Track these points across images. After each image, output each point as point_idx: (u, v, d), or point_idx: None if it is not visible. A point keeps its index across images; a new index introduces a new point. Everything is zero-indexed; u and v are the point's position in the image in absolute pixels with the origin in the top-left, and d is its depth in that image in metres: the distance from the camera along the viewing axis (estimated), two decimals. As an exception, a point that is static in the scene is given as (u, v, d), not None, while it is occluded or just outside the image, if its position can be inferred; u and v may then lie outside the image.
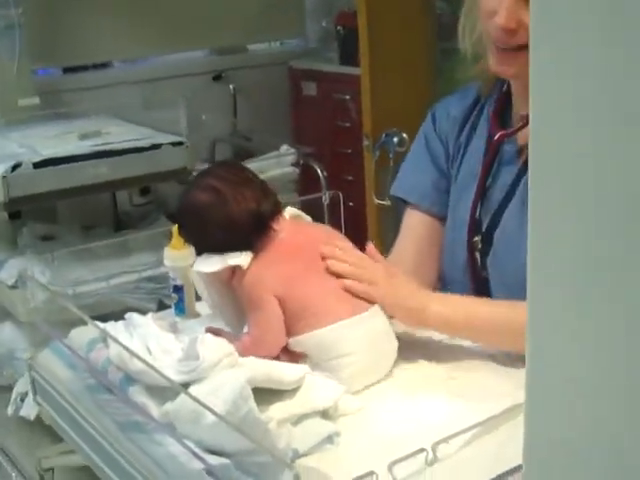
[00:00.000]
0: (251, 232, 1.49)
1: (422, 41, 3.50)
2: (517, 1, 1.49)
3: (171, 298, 1.75)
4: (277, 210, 1.53)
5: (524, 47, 1.51)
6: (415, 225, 1.83)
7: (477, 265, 1.71)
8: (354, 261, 1.52)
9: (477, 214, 1.72)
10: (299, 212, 1.61)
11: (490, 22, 1.55)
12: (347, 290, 1.49)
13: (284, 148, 3.74)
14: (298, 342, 1.46)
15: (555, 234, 0.69)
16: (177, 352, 1.35)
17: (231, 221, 1.48)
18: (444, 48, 3.70)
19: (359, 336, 1.46)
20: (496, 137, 1.69)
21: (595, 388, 0.68)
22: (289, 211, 1.58)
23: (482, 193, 1.71)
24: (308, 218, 1.62)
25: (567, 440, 0.72)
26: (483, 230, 1.71)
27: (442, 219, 1.81)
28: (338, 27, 4.22)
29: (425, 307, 1.51)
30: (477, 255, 1.71)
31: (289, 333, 1.47)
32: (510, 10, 1.50)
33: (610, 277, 0.66)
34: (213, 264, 1.49)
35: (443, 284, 1.83)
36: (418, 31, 3.49)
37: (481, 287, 1.70)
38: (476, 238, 1.71)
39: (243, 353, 1.37)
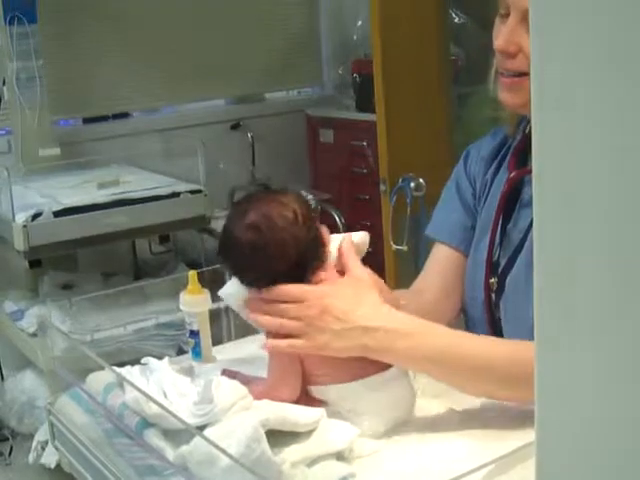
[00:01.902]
0: (286, 280, 1.44)
1: (438, 86, 3.53)
2: (517, 26, 1.49)
3: (188, 343, 1.76)
4: (318, 263, 1.47)
5: (526, 74, 1.51)
6: (442, 259, 1.82)
7: (492, 306, 1.71)
8: (284, 307, 1.43)
9: (496, 256, 1.71)
10: (361, 239, 1.59)
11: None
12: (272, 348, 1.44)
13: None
14: (318, 391, 1.44)
15: (563, 273, 0.70)
16: (193, 396, 1.36)
17: (266, 267, 1.44)
18: (460, 93, 3.73)
19: (379, 395, 1.42)
20: (510, 176, 1.69)
21: (607, 429, 0.68)
22: (354, 236, 1.56)
23: (502, 233, 1.70)
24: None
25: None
26: (499, 272, 1.70)
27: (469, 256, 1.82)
28: (354, 74, 4.26)
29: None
30: (493, 296, 1.71)
31: (310, 381, 1.44)
32: (510, 33, 1.50)
33: (620, 320, 0.66)
34: (230, 295, 1.50)
35: (465, 321, 1.82)
36: (433, 76, 3.51)
37: (497, 327, 1.70)
38: (492, 279, 1.71)
39: (257, 398, 1.38)
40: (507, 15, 1.53)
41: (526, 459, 1.28)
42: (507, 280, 1.67)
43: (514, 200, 1.70)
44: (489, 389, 1.42)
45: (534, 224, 0.70)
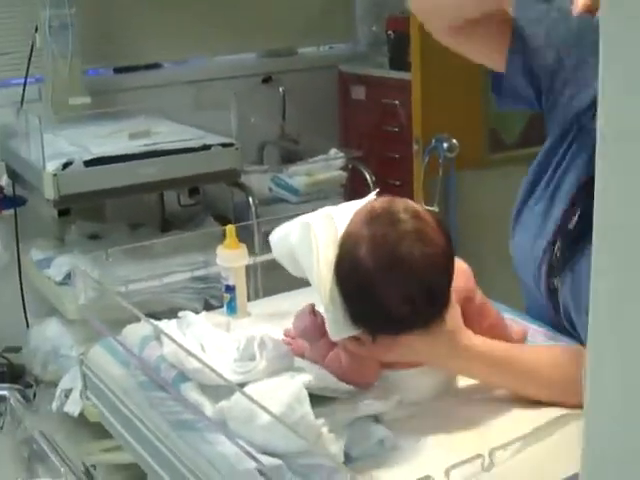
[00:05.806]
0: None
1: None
2: None
3: (224, 298, 1.74)
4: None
5: None
6: None
7: (552, 272, 1.58)
8: None
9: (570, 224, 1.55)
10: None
11: None
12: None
13: (333, 152, 3.74)
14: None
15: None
16: (231, 351, 1.34)
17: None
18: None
19: (429, 380, 1.41)
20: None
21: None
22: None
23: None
24: None
25: (628, 450, 0.70)
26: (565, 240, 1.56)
27: None
28: (389, 31, 4.21)
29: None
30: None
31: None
32: None
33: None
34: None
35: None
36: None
37: (551, 295, 1.59)
38: (556, 246, 1.56)
39: (328, 364, 1.35)
40: None
41: (564, 426, 1.28)
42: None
43: None
44: (533, 393, 1.38)
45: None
